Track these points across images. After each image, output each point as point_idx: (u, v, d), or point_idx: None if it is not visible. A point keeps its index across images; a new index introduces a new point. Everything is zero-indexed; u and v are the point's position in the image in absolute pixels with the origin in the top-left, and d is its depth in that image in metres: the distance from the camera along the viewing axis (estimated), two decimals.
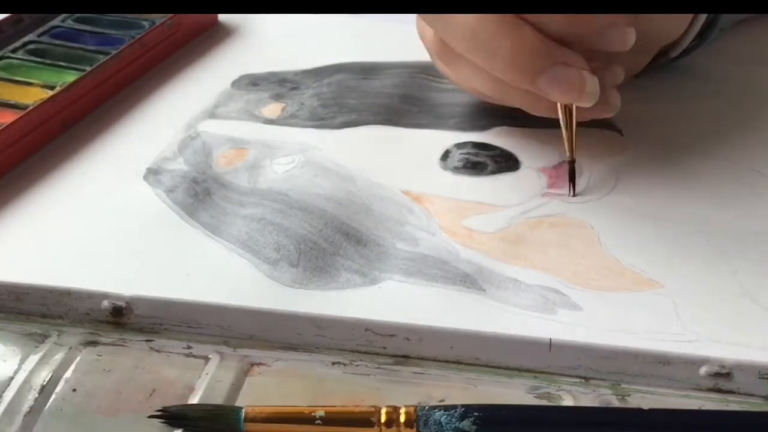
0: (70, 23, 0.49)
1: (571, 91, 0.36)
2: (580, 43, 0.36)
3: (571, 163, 0.38)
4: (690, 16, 0.42)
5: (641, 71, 0.44)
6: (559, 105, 0.37)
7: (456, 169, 0.40)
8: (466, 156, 0.41)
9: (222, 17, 0.54)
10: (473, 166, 0.40)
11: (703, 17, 0.42)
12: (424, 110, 0.44)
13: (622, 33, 0.36)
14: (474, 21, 0.36)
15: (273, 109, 0.45)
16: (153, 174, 0.39)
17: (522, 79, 0.36)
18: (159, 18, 0.49)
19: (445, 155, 0.41)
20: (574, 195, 0.38)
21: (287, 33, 0.53)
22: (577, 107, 0.37)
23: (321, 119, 0.44)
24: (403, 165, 0.40)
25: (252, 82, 0.47)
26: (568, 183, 0.38)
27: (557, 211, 0.37)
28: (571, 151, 0.38)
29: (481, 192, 0.38)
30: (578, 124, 0.38)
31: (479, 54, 0.37)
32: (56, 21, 0.49)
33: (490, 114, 0.43)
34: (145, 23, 0.50)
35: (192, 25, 0.51)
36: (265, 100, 0.46)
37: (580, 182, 0.39)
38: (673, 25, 0.42)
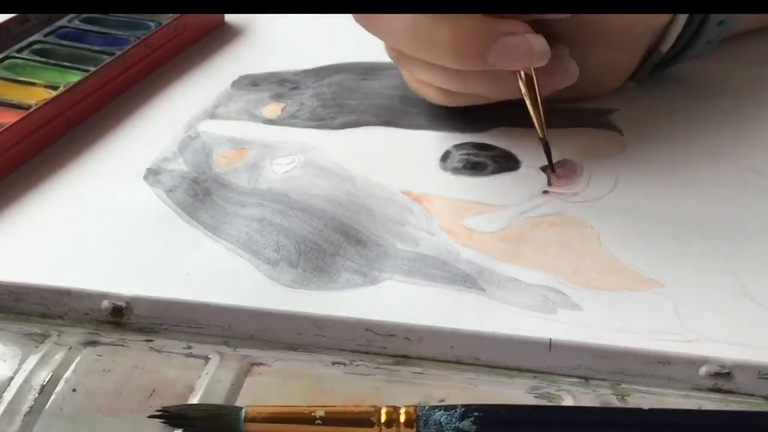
0: (76, 23, 0.49)
1: (520, 56, 0.36)
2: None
3: (544, 141, 0.38)
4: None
5: (637, 74, 0.44)
6: (521, 85, 0.37)
7: (456, 170, 0.40)
8: (466, 156, 0.41)
9: (229, 18, 0.54)
10: (473, 167, 0.40)
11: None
12: (423, 111, 0.44)
13: None
14: (408, 20, 0.36)
15: (273, 110, 0.45)
16: (153, 174, 0.39)
17: (472, 62, 0.36)
18: (165, 19, 0.49)
19: (445, 156, 0.41)
20: (554, 172, 0.38)
21: (287, 33, 0.53)
22: (540, 82, 0.37)
23: (321, 120, 0.44)
24: (403, 165, 0.40)
25: (252, 83, 0.47)
26: (548, 171, 0.39)
27: (557, 211, 0.37)
28: (542, 129, 0.38)
29: (481, 192, 0.38)
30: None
31: (424, 50, 0.37)
32: (63, 21, 0.49)
33: (489, 114, 0.43)
34: (152, 24, 0.50)
35: (198, 26, 0.51)
36: (265, 100, 0.46)
37: (580, 182, 0.39)
38: (647, 17, 0.41)
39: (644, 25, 0.41)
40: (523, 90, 0.37)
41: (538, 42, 0.36)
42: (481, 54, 0.36)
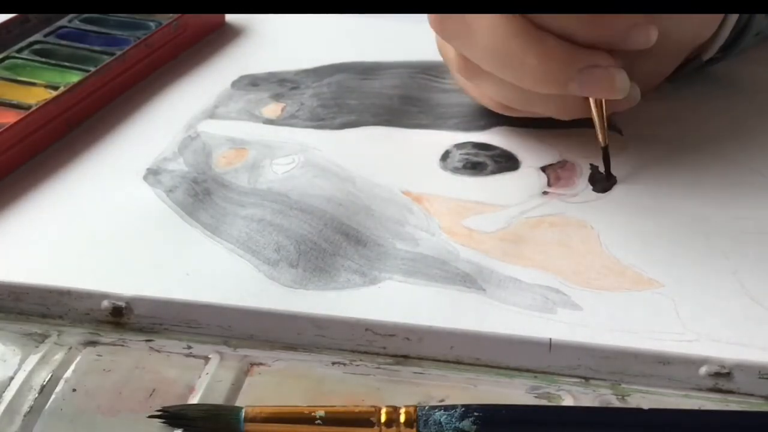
0: (76, 23, 0.49)
1: (603, 89, 0.37)
2: (603, 45, 0.37)
3: (605, 148, 0.39)
4: (719, 17, 0.41)
5: (673, 75, 0.44)
6: (592, 104, 0.38)
7: (456, 170, 0.40)
8: (466, 156, 0.41)
9: (229, 18, 0.54)
10: (473, 167, 0.40)
11: (733, 20, 0.41)
12: (424, 110, 0.44)
13: (645, 32, 0.37)
14: (499, 39, 0.36)
15: (273, 109, 0.45)
16: (153, 174, 0.39)
17: (554, 88, 0.37)
18: (165, 19, 0.49)
19: (445, 155, 0.41)
20: (609, 178, 0.39)
21: (287, 33, 0.53)
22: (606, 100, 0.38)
23: (321, 119, 0.44)
24: (403, 165, 0.40)
25: (252, 83, 0.47)
26: (603, 181, 0.39)
27: (557, 211, 0.37)
28: (605, 138, 0.39)
29: (481, 192, 0.38)
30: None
31: (507, 71, 0.37)
32: (63, 21, 0.49)
33: (490, 114, 0.43)
34: (152, 24, 0.50)
35: (199, 26, 0.51)
36: (265, 100, 0.46)
37: (580, 182, 0.39)
38: (701, 27, 0.41)
39: (693, 40, 0.42)
40: (593, 106, 0.38)
41: (621, 77, 0.37)
42: (565, 82, 0.36)
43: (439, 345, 0.31)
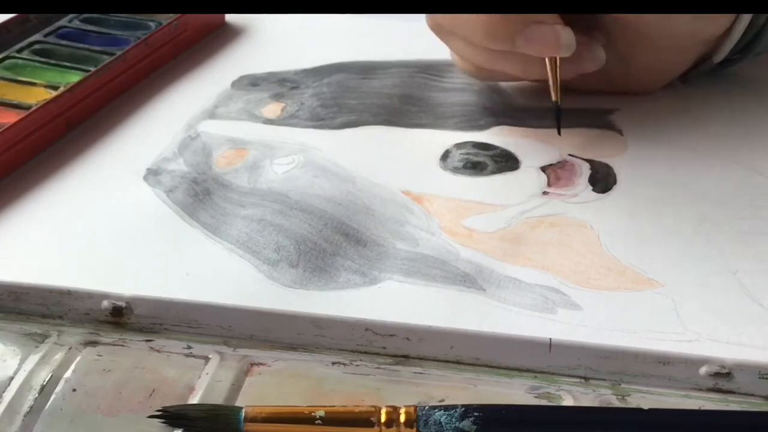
0: (76, 23, 0.50)
1: (547, 45, 0.38)
2: None
3: (556, 103, 0.40)
4: (730, 17, 0.41)
5: (686, 75, 0.44)
6: (547, 63, 0.39)
7: (456, 169, 0.40)
8: (466, 156, 0.41)
9: (229, 18, 0.54)
10: (473, 166, 0.40)
11: (745, 22, 0.41)
12: (423, 110, 0.44)
13: None
14: None
15: (273, 109, 0.45)
16: (153, 174, 0.39)
17: (501, 43, 0.38)
18: (165, 19, 0.50)
19: (445, 155, 0.41)
20: (560, 134, 0.41)
21: (287, 33, 0.53)
22: (568, 65, 0.39)
23: (321, 119, 0.44)
24: (403, 165, 0.40)
25: (252, 83, 0.47)
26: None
27: (557, 211, 0.37)
28: (557, 95, 0.40)
29: (481, 192, 0.38)
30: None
31: (459, 25, 0.39)
32: (63, 21, 0.49)
33: (490, 114, 0.44)
34: (152, 24, 0.50)
35: (199, 26, 0.51)
36: (265, 100, 0.46)
37: (580, 182, 0.39)
38: (697, 23, 0.41)
39: (693, 36, 0.42)
40: (547, 64, 0.39)
41: (566, 34, 0.38)
42: (511, 37, 0.38)
43: (439, 345, 0.31)
